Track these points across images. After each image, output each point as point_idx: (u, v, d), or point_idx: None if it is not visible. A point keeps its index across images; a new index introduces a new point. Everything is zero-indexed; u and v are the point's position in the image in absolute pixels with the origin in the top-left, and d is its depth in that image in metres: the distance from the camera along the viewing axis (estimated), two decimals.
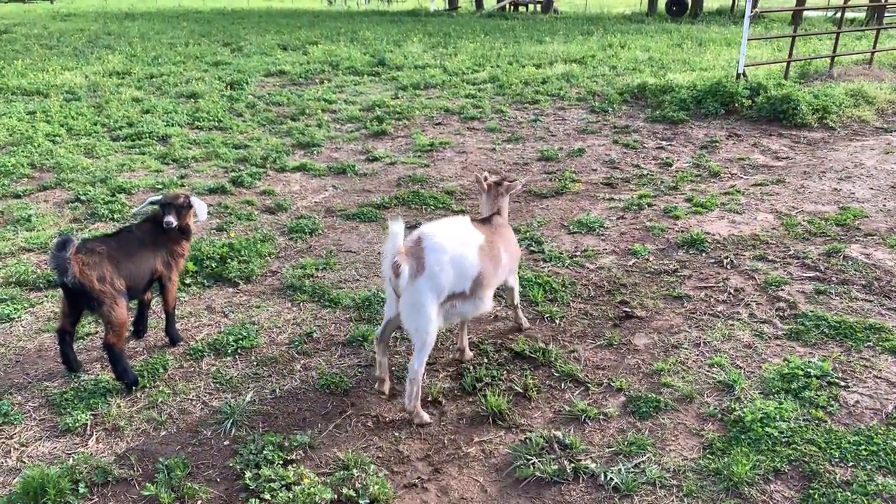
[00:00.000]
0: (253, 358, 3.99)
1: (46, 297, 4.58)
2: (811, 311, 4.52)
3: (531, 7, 37.23)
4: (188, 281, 4.85)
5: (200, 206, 4.02)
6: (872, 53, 12.04)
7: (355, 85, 12.45)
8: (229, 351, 4.00)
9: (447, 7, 38.61)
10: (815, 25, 22.95)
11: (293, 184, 7.21)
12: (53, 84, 11.80)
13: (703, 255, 5.51)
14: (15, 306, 4.37)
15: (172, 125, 9.10)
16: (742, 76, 10.15)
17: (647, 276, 5.19)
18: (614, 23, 25.38)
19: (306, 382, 3.82)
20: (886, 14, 20.38)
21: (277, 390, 3.72)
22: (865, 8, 19.76)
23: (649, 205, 6.60)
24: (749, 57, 12.90)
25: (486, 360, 4.06)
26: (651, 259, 5.46)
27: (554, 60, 14.23)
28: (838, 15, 23.09)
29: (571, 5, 39.50)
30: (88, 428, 3.34)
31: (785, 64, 10.79)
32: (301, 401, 3.67)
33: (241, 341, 4.05)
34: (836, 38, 11.44)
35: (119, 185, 6.65)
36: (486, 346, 4.21)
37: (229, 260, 5.00)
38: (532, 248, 5.66)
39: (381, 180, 7.43)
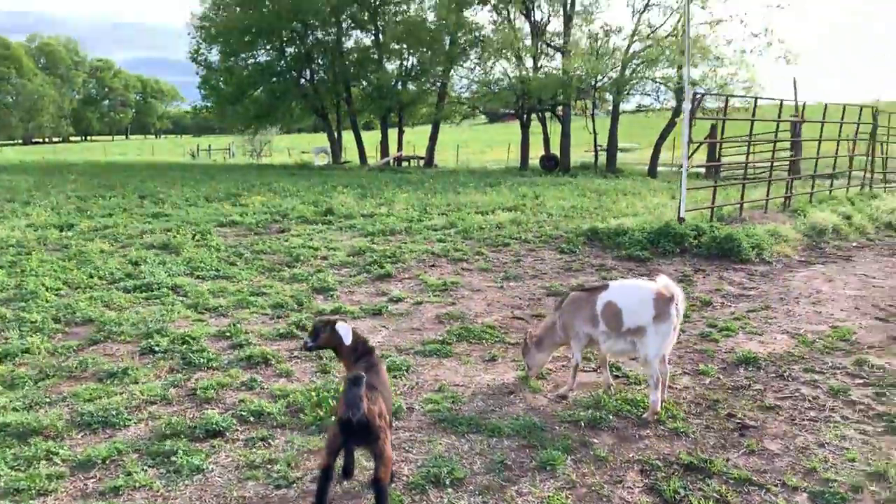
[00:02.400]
0: (472, 487, 4.09)
1: (213, 446, 4.40)
2: (888, 411, 5.33)
3: (413, 162, 39.84)
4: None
5: (345, 331, 4.13)
6: (767, 200, 14.29)
7: (318, 233, 12.76)
8: (447, 482, 4.08)
9: (332, 162, 40.30)
10: (670, 180, 26.44)
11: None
12: None
13: (762, 370, 6.28)
14: (195, 456, 4.18)
15: (174, 276, 8.92)
16: (682, 220, 11.67)
17: (729, 391, 5.83)
18: (502, 176, 27.60)
19: None
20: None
21: None
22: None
23: (682, 331, 7.38)
24: (670, 205, 14.84)
25: (664, 473, 4.42)
26: (721, 377, 6.14)
27: (494, 209, 15.39)
28: (691, 169, 26.81)
29: (442, 161, 42.30)
30: None
31: (709, 209, 12.55)
32: None
33: (453, 473, 4.15)
34: (743, 188, 13.54)
35: (183, 335, 6.47)
36: (654, 461, 4.58)
37: None
38: (616, 374, 6.17)
39: (422, 318, 7.72)
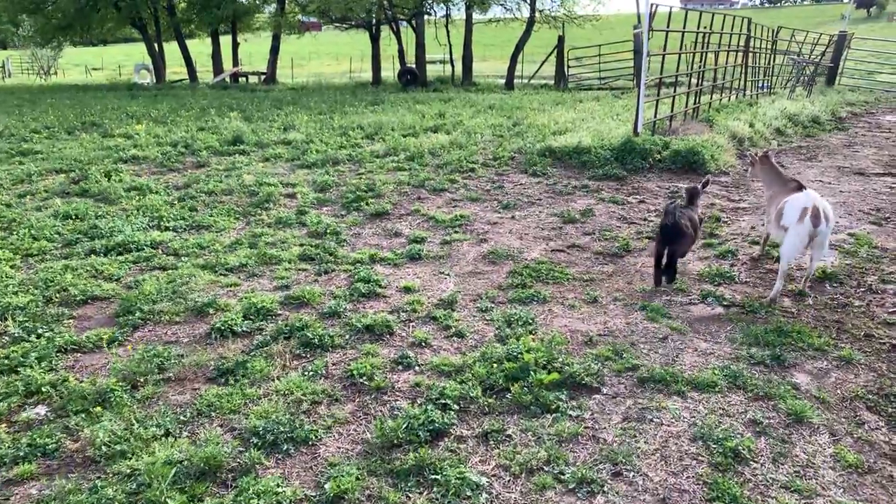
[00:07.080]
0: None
1: (511, 400, 3.52)
2: None
3: (250, 78, 36.72)
4: None
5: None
6: (684, 111, 14.73)
7: (245, 165, 11.19)
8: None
9: (153, 81, 35.92)
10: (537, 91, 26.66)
11: (409, 278, 6.37)
12: None
13: (844, 285, 6.39)
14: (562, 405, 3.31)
15: (139, 230, 7.29)
16: (637, 134, 11.64)
17: (837, 311, 5.87)
18: (366, 94, 26.00)
19: None
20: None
21: None
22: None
23: (736, 251, 7.32)
24: (623, 119, 14.84)
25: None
26: (818, 296, 6.16)
27: (417, 131, 14.39)
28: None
29: (281, 76, 39.63)
30: None
31: (652, 121, 12.65)
32: None
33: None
34: (673, 100, 13.78)
35: (253, 307, 5.23)
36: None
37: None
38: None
39: (468, 260, 6.99)
